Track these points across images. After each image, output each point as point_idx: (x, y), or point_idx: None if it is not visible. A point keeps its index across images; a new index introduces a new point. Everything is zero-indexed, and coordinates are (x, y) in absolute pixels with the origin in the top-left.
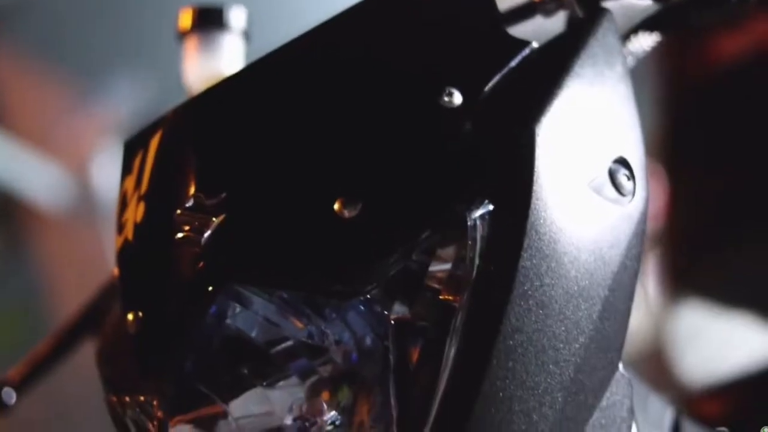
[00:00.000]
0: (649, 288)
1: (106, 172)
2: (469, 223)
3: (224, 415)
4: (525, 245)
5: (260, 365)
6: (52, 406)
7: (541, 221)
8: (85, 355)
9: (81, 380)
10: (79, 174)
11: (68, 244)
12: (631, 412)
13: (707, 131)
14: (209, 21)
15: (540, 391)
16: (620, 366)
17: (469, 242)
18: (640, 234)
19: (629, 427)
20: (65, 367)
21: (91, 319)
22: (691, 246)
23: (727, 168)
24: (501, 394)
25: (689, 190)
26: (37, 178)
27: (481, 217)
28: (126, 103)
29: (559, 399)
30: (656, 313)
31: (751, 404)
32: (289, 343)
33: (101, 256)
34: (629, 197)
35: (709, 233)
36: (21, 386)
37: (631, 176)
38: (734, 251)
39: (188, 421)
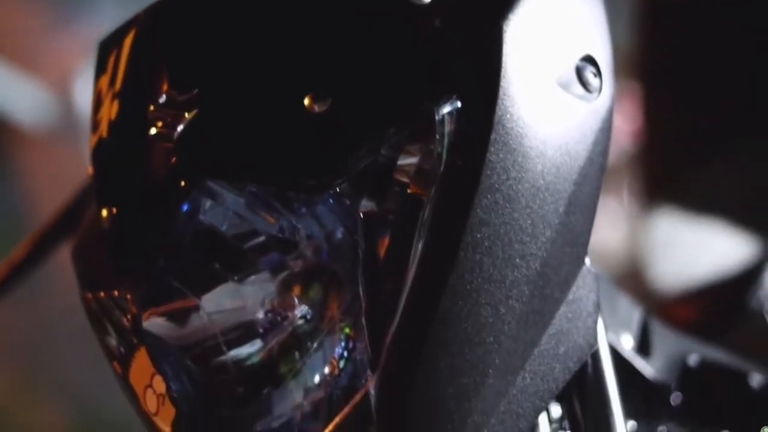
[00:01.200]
0: (624, 199)
1: (89, 91)
2: (437, 118)
3: (196, 308)
4: (492, 139)
5: (232, 260)
6: (34, 322)
7: (508, 116)
8: (67, 269)
9: (64, 296)
10: (61, 92)
11: (51, 162)
12: (597, 306)
13: (685, 44)
14: None
15: (507, 284)
16: (587, 261)
17: (437, 137)
18: (606, 130)
19: (595, 321)
20: (48, 283)
21: (68, 222)
22: (666, 157)
23: (704, 82)
24: (468, 286)
25: (666, 103)
26: (19, 96)
27: (449, 112)
28: (108, 21)
29: (526, 292)
30: (631, 223)
31: (721, 309)
32: (261, 238)
33: (84, 173)
34: (596, 94)
35: (684, 145)
36: None
37: (598, 73)
38: (708, 162)
39: (161, 314)
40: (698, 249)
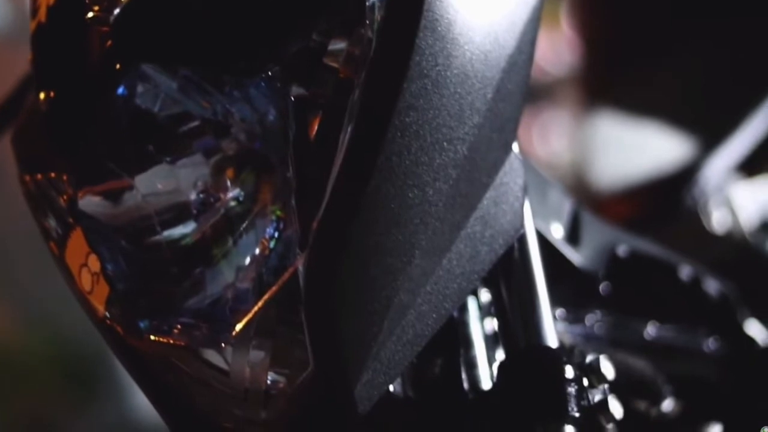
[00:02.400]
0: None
1: None
2: (367, 4)
3: (131, 188)
4: (421, 25)
5: (166, 142)
6: None
7: (438, 3)
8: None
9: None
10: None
11: (5, 69)
12: (524, 191)
13: None
14: None
15: (434, 167)
16: (515, 148)
17: (367, 22)
18: (535, 20)
19: (522, 206)
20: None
21: (12, 111)
22: (607, 63)
23: None
24: (396, 169)
25: (605, 11)
26: None
27: None
28: None
29: (453, 176)
30: (574, 126)
31: (656, 206)
32: (195, 121)
33: None
34: None
35: (624, 51)
36: None
37: None
38: (647, 68)
39: (96, 194)
40: (636, 149)
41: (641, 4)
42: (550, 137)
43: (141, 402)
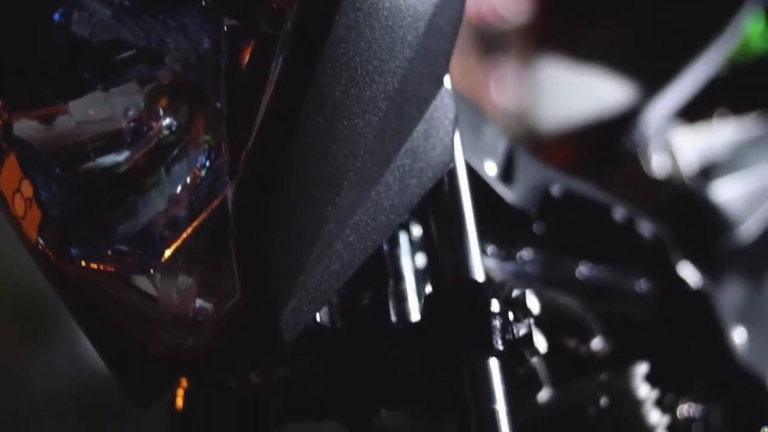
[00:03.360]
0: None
1: None
2: None
3: (65, 114)
4: None
5: (101, 70)
6: None
7: None
8: None
9: None
10: None
11: None
12: (454, 126)
13: None
14: None
15: (364, 99)
16: (446, 83)
17: None
18: None
19: (452, 141)
20: None
21: None
22: (553, 6)
23: None
24: (326, 100)
25: None
26: None
27: None
28: None
29: (383, 108)
30: (520, 70)
31: (597, 150)
32: (131, 50)
33: None
34: None
35: None
36: None
37: None
38: (592, 14)
39: (30, 119)
40: (580, 94)
41: None
42: (506, 86)
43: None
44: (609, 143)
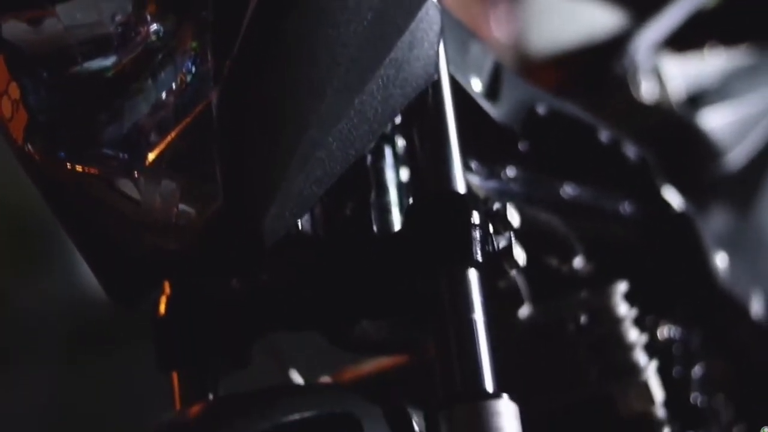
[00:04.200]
0: None
1: None
2: None
3: (53, 17)
4: None
5: None
6: None
7: None
8: None
9: None
10: None
11: None
12: (439, 39)
13: None
14: None
15: (350, 7)
16: None
17: None
18: None
19: (437, 53)
20: None
21: None
22: None
23: None
24: (311, 7)
25: None
26: None
27: None
28: None
29: (368, 17)
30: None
31: (586, 74)
32: None
33: None
34: None
35: None
36: None
37: None
38: None
39: (20, 20)
40: (571, 18)
41: None
42: (502, 18)
43: (88, 271)
44: (598, 68)
